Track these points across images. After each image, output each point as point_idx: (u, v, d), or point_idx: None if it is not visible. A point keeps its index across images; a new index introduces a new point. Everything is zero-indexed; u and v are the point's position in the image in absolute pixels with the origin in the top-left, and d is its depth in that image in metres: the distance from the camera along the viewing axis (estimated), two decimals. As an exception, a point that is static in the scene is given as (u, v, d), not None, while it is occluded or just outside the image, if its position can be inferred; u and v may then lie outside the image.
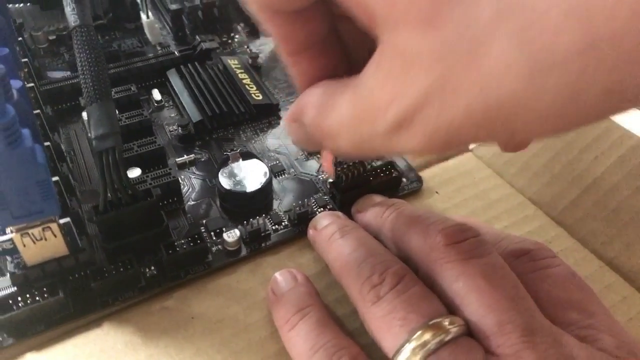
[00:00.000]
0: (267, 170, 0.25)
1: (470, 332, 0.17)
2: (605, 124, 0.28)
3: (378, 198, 0.24)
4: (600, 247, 0.24)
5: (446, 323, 0.17)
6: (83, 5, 0.22)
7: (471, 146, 0.29)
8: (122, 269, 0.21)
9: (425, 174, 0.27)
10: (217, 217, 0.24)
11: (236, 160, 0.25)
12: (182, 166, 0.26)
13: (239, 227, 0.24)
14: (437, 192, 0.26)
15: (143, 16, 0.33)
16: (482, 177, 0.27)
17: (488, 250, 0.19)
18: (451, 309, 0.18)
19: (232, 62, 0.31)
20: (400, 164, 0.26)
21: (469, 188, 0.27)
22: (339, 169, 0.24)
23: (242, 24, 0.36)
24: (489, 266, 0.18)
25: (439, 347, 0.16)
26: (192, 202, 0.25)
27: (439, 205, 0.26)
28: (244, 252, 0.23)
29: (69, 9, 0.22)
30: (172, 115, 0.29)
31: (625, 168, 0.27)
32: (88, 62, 0.20)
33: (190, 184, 0.26)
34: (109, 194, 0.20)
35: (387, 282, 0.18)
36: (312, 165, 0.27)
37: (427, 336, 0.17)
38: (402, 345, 0.17)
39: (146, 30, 0.34)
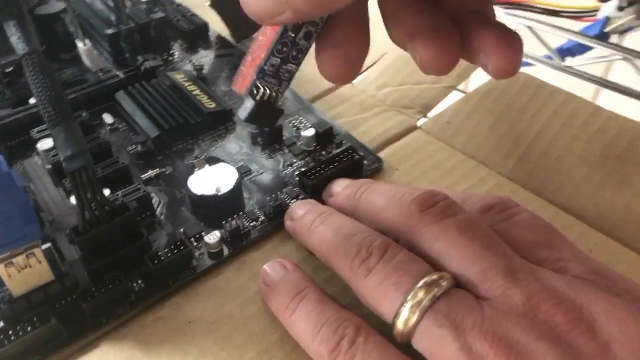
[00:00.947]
0: (234, 171, 0.26)
1: (458, 285, 0.18)
2: (536, 83, 0.30)
3: (345, 181, 0.25)
4: (552, 194, 0.26)
5: (435, 278, 0.18)
6: (28, 32, 0.22)
7: (419, 123, 0.31)
8: (110, 287, 0.21)
9: (383, 154, 0.28)
10: (193, 223, 0.25)
11: (202, 166, 0.26)
12: (149, 182, 0.27)
13: (218, 229, 0.24)
14: (397, 169, 0.28)
15: (79, 44, 0.33)
16: (435, 150, 0.29)
17: (458, 209, 0.20)
18: (436, 268, 0.19)
19: (179, 76, 0.31)
20: (359, 148, 0.28)
21: (424, 161, 0.28)
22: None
23: (179, 41, 0.36)
24: (462, 223, 0.20)
25: (433, 302, 0.18)
26: (166, 214, 0.25)
27: (402, 180, 0.27)
28: (226, 252, 0.24)
29: (15, 38, 0.21)
30: (129, 135, 0.29)
31: (560, 120, 0.29)
32: (44, 87, 0.20)
33: (160, 197, 0.26)
34: (86, 214, 0.20)
35: (375, 254, 0.19)
36: (278, 160, 0.28)
37: (421, 294, 0.18)
38: (400, 307, 0.18)
39: (84, 58, 0.33)
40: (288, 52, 0.19)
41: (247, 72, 0.20)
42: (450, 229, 0.20)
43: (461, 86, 0.33)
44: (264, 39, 0.19)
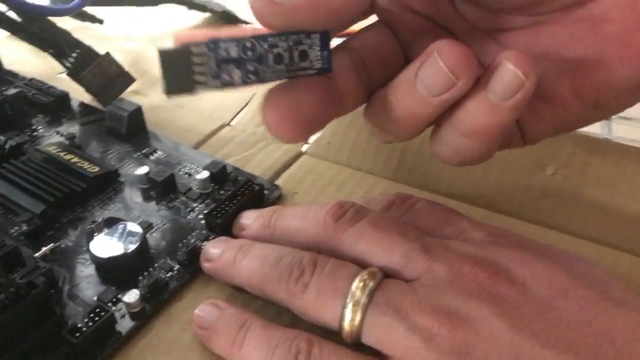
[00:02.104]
0: (137, 226, 0.25)
1: (387, 275, 0.20)
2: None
3: (253, 212, 0.26)
4: (434, 185, 0.29)
5: (366, 275, 0.19)
6: None
7: (303, 149, 0.32)
8: (32, 374, 0.19)
9: (279, 182, 0.29)
10: (105, 289, 0.23)
11: (102, 229, 0.25)
12: (45, 259, 0.25)
13: (133, 289, 0.23)
14: (296, 193, 0.29)
15: None
16: (324, 169, 0.31)
17: (367, 211, 0.22)
18: (364, 266, 0.20)
19: (52, 148, 0.30)
20: (255, 180, 0.29)
21: (318, 181, 0.30)
22: None
23: (40, 115, 0.35)
24: (374, 221, 0.21)
25: (371, 296, 0.19)
26: (72, 287, 0.24)
27: (303, 201, 0.28)
28: (149, 308, 0.23)
29: None
30: (8, 217, 0.27)
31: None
32: None
33: (62, 271, 0.24)
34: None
35: (307, 270, 0.20)
36: (177, 209, 0.27)
37: (358, 293, 0.19)
38: (343, 311, 0.19)
39: None
40: (247, 59, 0.17)
41: (200, 36, 0.17)
42: (365, 228, 0.21)
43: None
44: (237, 32, 0.17)
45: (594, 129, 0.37)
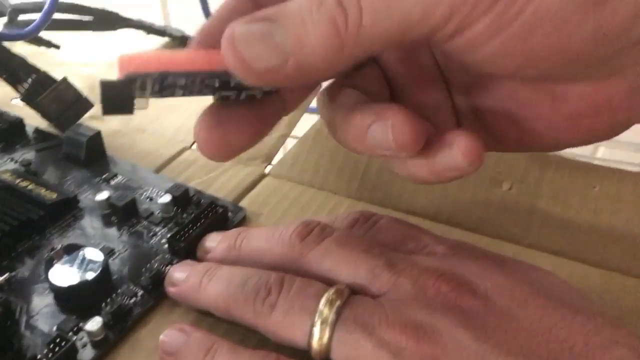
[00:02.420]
0: (98, 252, 0.24)
1: (354, 292, 0.20)
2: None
3: (217, 235, 0.26)
4: (395, 202, 0.30)
5: (333, 292, 0.20)
6: None
7: (267, 170, 0.33)
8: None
9: (243, 204, 0.29)
10: (65, 318, 0.23)
11: (61, 257, 0.24)
12: (0, 289, 0.24)
13: (95, 317, 0.23)
14: (261, 214, 0.29)
15: None
16: (288, 190, 0.31)
17: (332, 230, 0.22)
18: (330, 284, 0.20)
19: (6, 175, 0.29)
20: (219, 202, 0.28)
21: (283, 201, 0.30)
22: None
23: (-8, 142, 0.34)
24: (339, 238, 0.22)
25: (338, 313, 0.19)
26: (30, 319, 0.23)
27: (268, 222, 0.28)
28: (112, 336, 0.22)
29: None
30: (-41, 248, 0.26)
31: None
32: None
33: (18, 302, 0.23)
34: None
35: (274, 289, 0.20)
36: (139, 233, 0.27)
37: (326, 310, 0.19)
38: (311, 329, 0.19)
39: None
40: (194, 87, 0.17)
41: (150, 58, 0.16)
42: (331, 246, 0.21)
43: (293, 132, 0.36)
44: (189, 59, 0.17)
45: (581, 151, 0.39)
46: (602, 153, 0.57)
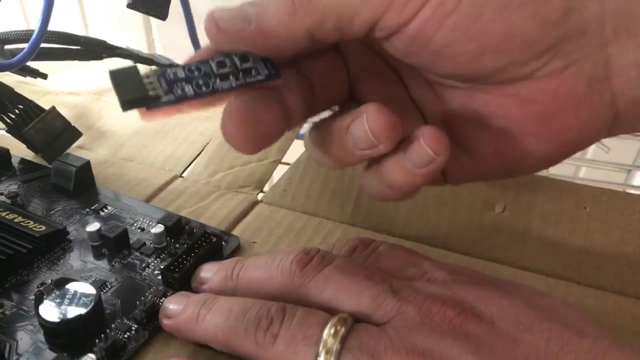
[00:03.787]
0: (89, 286, 0.24)
1: (357, 320, 0.20)
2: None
3: (213, 265, 0.25)
4: (389, 227, 0.30)
5: (337, 322, 0.19)
6: None
7: (259, 197, 0.32)
8: None
9: (236, 232, 0.29)
10: (57, 356, 0.22)
11: (51, 292, 0.23)
12: (-13, 327, 0.23)
13: (88, 354, 0.22)
14: (254, 242, 0.29)
15: None
16: (281, 216, 0.31)
17: (332, 257, 0.22)
18: (333, 313, 0.20)
19: (-8, 208, 0.28)
20: (212, 231, 0.28)
21: (276, 228, 0.30)
22: None
23: (-25, 174, 0.33)
24: (340, 266, 0.22)
25: (343, 343, 0.19)
26: (18, 357, 0.22)
27: (263, 250, 0.28)
28: (107, 373, 0.21)
29: None
30: (-57, 284, 0.25)
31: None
32: None
33: (6, 340, 0.23)
34: None
35: (275, 319, 0.20)
36: (132, 265, 0.26)
37: (330, 341, 0.19)
38: (315, 359, 0.19)
39: None
40: (196, 77, 0.19)
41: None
42: (332, 274, 0.21)
43: (284, 158, 0.36)
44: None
45: (564, 171, 0.39)
46: (584, 173, 0.58)
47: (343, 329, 0.19)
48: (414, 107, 0.24)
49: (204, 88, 0.19)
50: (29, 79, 0.37)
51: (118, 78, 0.18)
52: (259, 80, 0.20)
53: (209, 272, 0.25)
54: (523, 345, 0.18)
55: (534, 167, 0.23)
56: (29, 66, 0.35)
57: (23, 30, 0.36)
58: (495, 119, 0.21)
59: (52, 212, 0.30)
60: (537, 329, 0.18)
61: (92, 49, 0.40)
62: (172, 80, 0.19)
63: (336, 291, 0.20)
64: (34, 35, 0.31)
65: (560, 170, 0.40)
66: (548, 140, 0.21)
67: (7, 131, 0.33)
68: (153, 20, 0.64)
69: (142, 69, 0.19)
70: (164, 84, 0.19)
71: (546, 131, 0.20)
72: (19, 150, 0.34)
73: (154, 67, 0.19)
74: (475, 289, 0.20)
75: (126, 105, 0.18)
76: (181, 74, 0.19)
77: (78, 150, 0.35)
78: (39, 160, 0.34)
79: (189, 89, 0.19)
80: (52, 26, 0.38)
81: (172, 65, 0.19)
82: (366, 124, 0.20)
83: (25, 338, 0.23)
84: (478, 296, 0.19)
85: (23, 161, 0.34)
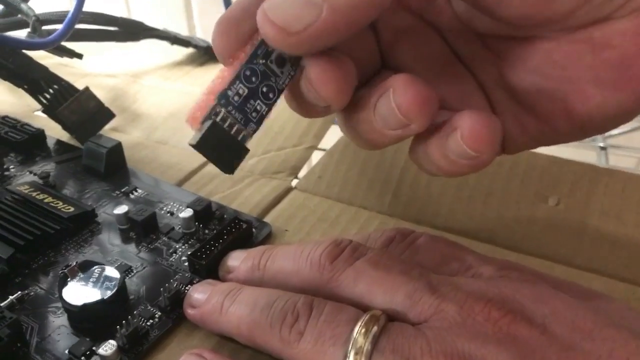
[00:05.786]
0: (114, 270, 0.23)
1: (391, 318, 0.18)
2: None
3: (241, 253, 0.24)
4: (431, 218, 0.28)
5: (368, 319, 0.18)
6: None
7: (293, 183, 0.31)
8: None
9: (268, 219, 0.28)
10: (78, 341, 0.21)
11: (75, 274, 0.23)
12: (11, 309, 0.22)
13: (109, 340, 0.21)
14: (286, 230, 0.27)
15: None
16: (316, 204, 0.29)
17: (365, 249, 0.21)
18: (364, 309, 0.18)
19: (23, 188, 0.28)
20: (243, 217, 0.27)
21: (310, 217, 0.28)
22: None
23: (12, 154, 0.33)
24: (373, 259, 0.20)
25: (375, 343, 0.17)
26: (41, 341, 0.21)
27: (294, 239, 0.27)
28: (128, 361, 0.20)
29: None
30: (-28, 263, 0.25)
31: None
32: None
33: (29, 322, 0.22)
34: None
35: (302, 315, 0.18)
36: (159, 250, 0.25)
37: (360, 339, 0.17)
38: None
39: None
40: (257, 84, 0.16)
41: (205, 101, 0.16)
42: (364, 268, 0.19)
43: (321, 144, 0.34)
44: (227, 71, 0.17)
45: (628, 164, 0.36)
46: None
47: (375, 328, 0.17)
48: (463, 69, 0.21)
49: (271, 95, 0.17)
50: (66, 60, 0.37)
51: (206, 145, 0.17)
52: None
53: (237, 261, 0.23)
54: (582, 355, 0.15)
55: (608, 124, 0.20)
56: (64, 46, 0.35)
57: (62, 11, 0.36)
58: (563, 70, 0.18)
59: (82, 193, 0.29)
60: (598, 336, 0.16)
61: (129, 30, 0.39)
62: (241, 103, 0.17)
63: (368, 286, 0.19)
64: (68, 16, 0.31)
65: (622, 162, 0.37)
66: (626, 90, 0.18)
67: (42, 111, 0.33)
68: (194, 4, 0.63)
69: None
70: (237, 115, 0.17)
71: (624, 79, 0.18)
72: (55, 131, 0.34)
73: (216, 101, 0.17)
74: (526, 287, 0.18)
75: (230, 169, 0.18)
76: (243, 90, 0.17)
77: (112, 132, 0.35)
78: (74, 142, 0.34)
79: (262, 106, 0.17)
80: (94, 8, 0.38)
81: (225, 92, 0.17)
82: (393, 101, 0.17)
83: (49, 321, 0.22)
84: (529, 295, 0.17)
85: (58, 142, 0.34)
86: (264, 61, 0.17)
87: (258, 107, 0.17)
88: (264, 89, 0.17)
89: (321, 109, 0.18)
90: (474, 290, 0.18)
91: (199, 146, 0.16)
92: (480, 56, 0.20)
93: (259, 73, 0.17)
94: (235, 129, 0.16)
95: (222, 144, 0.16)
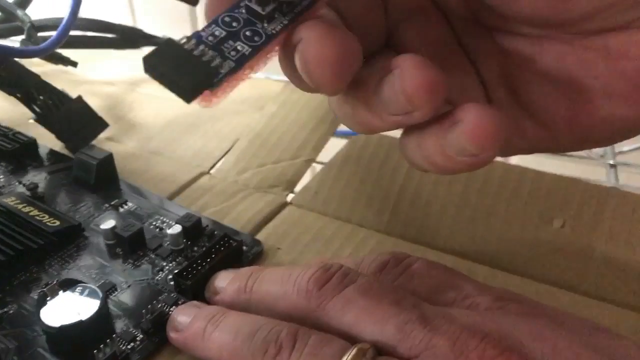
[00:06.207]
0: (96, 290, 0.22)
1: (380, 352, 0.17)
2: (388, 140, 0.32)
3: (229, 273, 0.23)
4: (430, 239, 0.27)
5: (355, 353, 0.17)
6: None
7: (288, 198, 0.30)
8: None
9: (260, 236, 0.27)
10: (55, 365, 0.20)
11: (55, 293, 0.22)
12: (-12, 328, 0.22)
13: (88, 364, 0.20)
14: (279, 248, 0.26)
15: None
16: (311, 221, 0.28)
17: (356, 275, 0.19)
18: (353, 341, 0.17)
19: (10, 200, 0.27)
20: (233, 234, 0.26)
21: (304, 235, 0.27)
22: None
23: (2, 163, 0.32)
24: (363, 286, 0.19)
25: None
26: (17, 363, 0.20)
27: (286, 258, 0.26)
28: (105, 388, 0.20)
29: None
30: (-49, 278, 0.24)
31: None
32: None
33: (7, 342, 0.21)
34: None
35: (285, 346, 0.17)
36: (145, 268, 0.25)
37: None
38: None
39: None
40: (239, 29, 0.15)
41: None
42: (353, 296, 0.18)
43: (319, 157, 0.33)
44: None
45: (600, 177, 0.35)
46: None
47: (361, 363, 0.16)
48: (467, 61, 0.19)
49: (256, 39, 0.15)
50: (64, 68, 0.36)
51: (159, 63, 0.14)
52: (306, 5, 0.16)
53: (224, 282, 0.22)
54: (582, 401, 0.14)
55: (612, 138, 0.18)
56: (58, 53, 0.34)
57: (58, 18, 0.35)
58: (572, 76, 0.17)
59: (71, 205, 0.29)
60: (600, 379, 0.15)
61: (128, 37, 0.39)
62: (217, 43, 0.15)
63: (357, 317, 0.18)
64: (62, 22, 0.30)
65: (633, 180, 0.35)
66: (638, 105, 0.17)
67: (35, 120, 0.32)
68: (199, 13, 0.63)
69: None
70: (209, 51, 0.15)
71: (638, 93, 0.17)
72: (49, 140, 0.33)
73: (184, 36, 0.15)
74: (525, 322, 0.17)
75: (190, 94, 0.14)
76: (220, 32, 0.15)
77: (106, 142, 0.34)
78: (67, 151, 0.33)
79: (242, 47, 0.15)
80: (98, 16, 0.38)
81: (197, 32, 0.15)
82: (399, 83, 0.15)
83: (26, 341, 0.21)
84: (527, 331, 0.16)
85: (51, 152, 0.33)
86: (247, 6, 0.15)
87: (239, 47, 0.15)
88: (247, 33, 0.15)
89: (311, 89, 0.17)
90: (470, 324, 0.17)
91: (148, 63, 0.14)
92: (486, 50, 0.19)
93: (242, 20, 0.15)
94: (206, 57, 0.14)
95: (181, 64, 0.14)
